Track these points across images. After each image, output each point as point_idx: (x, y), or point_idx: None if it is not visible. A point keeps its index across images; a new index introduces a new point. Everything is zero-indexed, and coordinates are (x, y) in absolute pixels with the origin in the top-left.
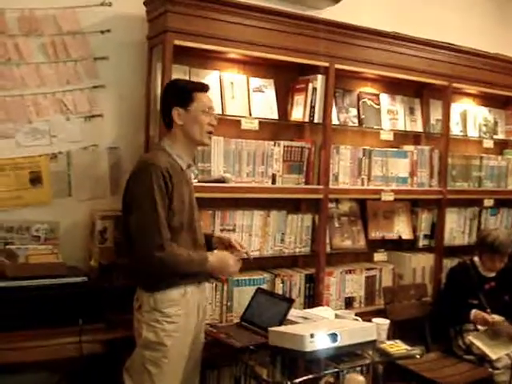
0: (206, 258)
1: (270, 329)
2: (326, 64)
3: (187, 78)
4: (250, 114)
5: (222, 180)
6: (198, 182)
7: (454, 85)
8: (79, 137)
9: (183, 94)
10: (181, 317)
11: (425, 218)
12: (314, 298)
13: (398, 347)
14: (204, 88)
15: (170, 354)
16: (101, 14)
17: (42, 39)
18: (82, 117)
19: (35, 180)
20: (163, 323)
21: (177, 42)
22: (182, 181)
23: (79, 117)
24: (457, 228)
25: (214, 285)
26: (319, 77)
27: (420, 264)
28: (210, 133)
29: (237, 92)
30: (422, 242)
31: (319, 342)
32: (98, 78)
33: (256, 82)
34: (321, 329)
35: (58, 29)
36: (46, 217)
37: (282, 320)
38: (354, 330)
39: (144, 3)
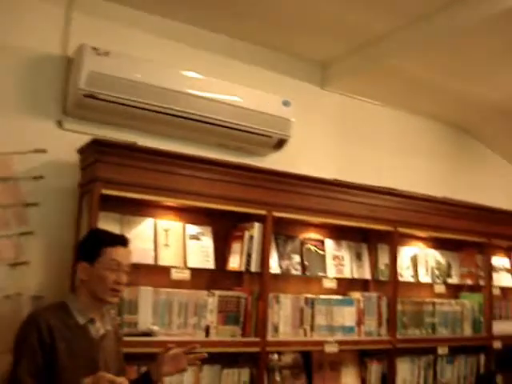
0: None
1: None
2: (263, 212)
3: (118, 226)
4: (185, 263)
5: (148, 333)
6: (124, 335)
7: (400, 230)
8: (3, 284)
9: (90, 247)
10: None
11: (374, 370)
12: None
13: None
14: (115, 242)
15: None
16: (35, 160)
17: None
18: (7, 264)
19: None
20: None
21: (105, 192)
22: (75, 336)
23: (4, 264)
24: (410, 378)
25: None
26: (256, 224)
27: None
28: (116, 291)
29: (171, 239)
30: None
31: None
32: (26, 225)
33: (192, 229)
34: None
35: None
36: None
37: None
38: None
39: (78, 151)
